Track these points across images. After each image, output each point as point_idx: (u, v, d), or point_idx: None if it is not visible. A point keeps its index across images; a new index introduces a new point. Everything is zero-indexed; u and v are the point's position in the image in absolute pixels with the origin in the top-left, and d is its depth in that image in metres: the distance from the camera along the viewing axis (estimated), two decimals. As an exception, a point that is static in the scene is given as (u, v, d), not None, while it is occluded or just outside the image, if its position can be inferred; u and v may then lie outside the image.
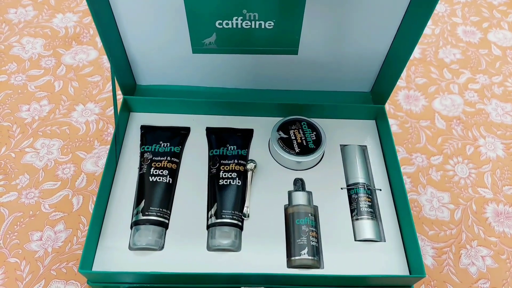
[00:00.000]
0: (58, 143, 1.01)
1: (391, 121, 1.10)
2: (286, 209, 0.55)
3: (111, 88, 1.13)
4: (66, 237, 0.86)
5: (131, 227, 0.51)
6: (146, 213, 0.51)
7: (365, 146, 0.62)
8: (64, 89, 1.12)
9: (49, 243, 0.85)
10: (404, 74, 1.24)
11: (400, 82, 1.22)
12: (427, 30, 1.35)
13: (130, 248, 0.50)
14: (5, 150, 0.99)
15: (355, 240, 0.53)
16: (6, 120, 1.05)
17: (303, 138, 0.59)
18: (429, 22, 1.34)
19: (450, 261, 0.87)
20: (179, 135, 0.60)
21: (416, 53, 1.30)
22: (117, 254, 0.50)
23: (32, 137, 1.02)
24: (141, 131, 0.60)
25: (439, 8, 1.44)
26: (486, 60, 1.29)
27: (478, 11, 1.44)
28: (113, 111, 1.09)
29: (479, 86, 1.22)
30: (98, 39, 1.25)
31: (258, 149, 0.60)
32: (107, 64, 1.19)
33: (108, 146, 1.02)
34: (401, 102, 1.17)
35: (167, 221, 0.52)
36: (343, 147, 0.61)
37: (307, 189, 0.57)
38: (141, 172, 0.55)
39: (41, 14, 1.32)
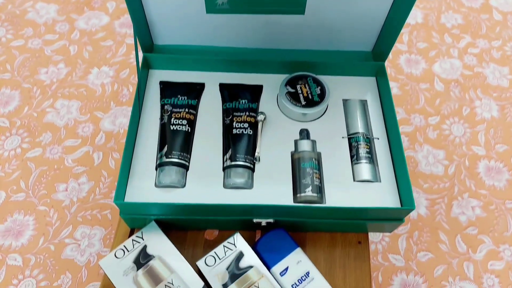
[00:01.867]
0: (77, 104, 1.07)
1: (392, 84, 1.16)
2: (292, 155, 0.61)
3: (123, 52, 1.18)
4: (89, 188, 0.94)
5: (156, 169, 0.58)
6: (169, 156, 0.57)
7: (365, 100, 0.67)
8: (79, 53, 1.17)
9: (74, 194, 0.93)
10: (406, 38, 1.29)
11: (402, 46, 1.26)
12: (430, -5, 1.38)
13: (156, 186, 0.57)
14: (28, 110, 1.06)
15: (354, 181, 0.60)
16: (26, 82, 1.11)
17: (309, 92, 0.65)
18: (432, -13, 1.36)
19: (442, 211, 0.94)
20: (195, 90, 0.66)
21: (419, 18, 1.33)
22: (145, 191, 0.57)
23: (52, 98, 1.08)
24: (160, 86, 0.66)
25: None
26: (487, 25, 1.32)
27: (481, -24, 1.46)
28: (127, 74, 1.15)
29: (479, 50, 1.26)
30: (109, 4, 1.29)
31: (267, 103, 0.66)
32: (119, 29, 1.23)
33: (124, 107, 1.08)
34: (402, 66, 1.21)
35: (187, 163, 0.58)
36: (345, 101, 0.67)
37: (311, 138, 0.63)
38: (163, 122, 0.61)
39: (52, -21, 1.36)
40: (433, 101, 1.14)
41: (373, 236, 0.91)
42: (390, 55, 1.24)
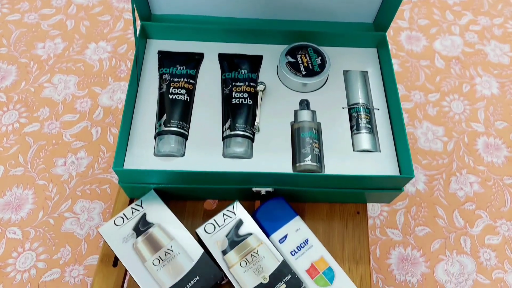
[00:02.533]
0: (74, 79, 1.06)
1: (392, 60, 1.14)
2: (292, 125, 0.61)
3: (121, 27, 1.16)
4: (88, 163, 0.93)
5: (155, 138, 0.58)
6: (168, 125, 0.57)
7: (366, 71, 0.67)
8: (76, 28, 1.16)
9: (73, 168, 0.93)
10: (407, 15, 1.27)
11: (403, 23, 1.25)
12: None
13: (155, 155, 0.57)
14: (25, 85, 1.05)
15: (354, 151, 0.60)
16: (23, 57, 1.09)
17: (309, 62, 0.64)
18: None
19: (440, 186, 0.95)
20: (194, 60, 0.65)
21: (420, -6, 1.31)
22: (144, 160, 0.56)
23: (49, 73, 1.07)
24: (158, 55, 0.65)
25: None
26: (489, 1, 1.31)
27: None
28: (125, 49, 1.14)
29: (480, 27, 1.25)
30: (105, -22, 1.26)
31: (267, 74, 0.65)
32: (116, 4, 1.21)
33: (122, 83, 1.07)
34: (403, 43, 1.20)
35: (186, 132, 0.58)
36: (345, 72, 0.66)
37: (311, 108, 0.63)
38: (161, 91, 0.60)
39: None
40: (434, 78, 1.13)
41: (371, 211, 0.91)
42: (391, 32, 1.23)
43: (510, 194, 0.95)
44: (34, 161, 0.93)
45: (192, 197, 0.60)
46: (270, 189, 0.57)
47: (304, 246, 0.54)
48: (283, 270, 0.50)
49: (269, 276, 0.50)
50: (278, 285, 0.50)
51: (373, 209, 0.92)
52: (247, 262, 0.51)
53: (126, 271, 0.56)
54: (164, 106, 0.59)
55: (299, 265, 0.52)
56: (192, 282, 0.50)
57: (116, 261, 0.56)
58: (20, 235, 0.85)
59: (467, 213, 0.92)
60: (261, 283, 0.50)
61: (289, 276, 0.50)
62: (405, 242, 0.89)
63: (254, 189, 0.56)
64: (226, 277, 0.51)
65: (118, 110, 1.01)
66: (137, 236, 0.52)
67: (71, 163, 0.93)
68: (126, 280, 0.55)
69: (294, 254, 0.53)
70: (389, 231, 0.90)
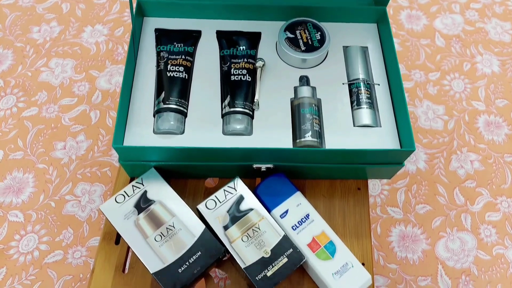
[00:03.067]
0: (71, 63, 1.05)
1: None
2: (292, 102, 0.60)
3: (117, 9, 1.15)
4: (88, 147, 0.93)
5: (154, 115, 0.57)
6: (167, 102, 0.56)
7: (366, 47, 0.66)
8: (72, 10, 1.14)
9: (73, 152, 0.92)
10: (407, -7, 1.25)
11: (403, 2, 1.23)
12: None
13: (154, 132, 0.57)
14: (22, 69, 1.04)
15: (354, 126, 0.59)
16: (19, 41, 1.08)
17: (308, 37, 0.63)
18: None
19: (441, 164, 0.95)
20: (192, 37, 0.64)
21: (420, -28, 1.29)
22: (144, 138, 0.56)
23: (45, 57, 1.06)
24: (155, 33, 0.64)
25: None
26: (490, -21, 1.29)
27: None
28: (121, 32, 1.12)
29: (481, 5, 1.23)
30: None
31: (265, 51, 0.64)
32: (112, -14, 1.19)
33: (120, 66, 1.06)
34: (403, 22, 1.19)
35: (185, 110, 0.57)
36: (345, 48, 0.66)
37: (311, 85, 0.62)
38: (159, 69, 0.60)
39: None
40: (434, 57, 1.12)
41: (372, 190, 0.91)
42: (391, 11, 1.21)
43: (510, 171, 0.95)
44: (33, 145, 0.93)
45: (192, 175, 0.60)
46: (270, 166, 0.56)
47: (305, 221, 0.54)
48: (285, 244, 0.51)
49: (271, 250, 0.50)
50: (279, 259, 0.50)
51: (374, 188, 0.92)
52: (249, 237, 0.51)
53: (128, 248, 0.56)
54: (162, 83, 0.59)
55: (300, 240, 0.52)
56: (194, 257, 0.50)
57: (118, 239, 0.56)
58: (22, 218, 0.86)
59: (467, 190, 0.92)
60: (262, 257, 0.50)
61: (291, 250, 0.50)
62: (405, 220, 0.89)
63: (255, 165, 0.56)
64: (228, 252, 0.51)
65: (116, 94, 1.01)
66: (139, 213, 0.52)
67: (70, 147, 0.93)
68: (128, 257, 0.56)
69: (295, 228, 0.53)
70: (389, 209, 0.90)
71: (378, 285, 0.82)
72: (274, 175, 0.57)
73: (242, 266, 0.49)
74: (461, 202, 0.91)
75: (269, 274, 0.49)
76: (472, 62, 1.11)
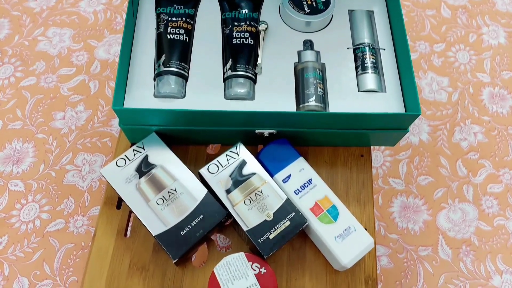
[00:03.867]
0: (69, 32, 1.03)
1: None
2: (295, 66, 0.59)
3: (115, -22, 1.12)
4: (87, 117, 0.92)
5: (154, 79, 0.56)
6: (167, 65, 0.55)
7: (372, 11, 0.64)
8: (69, -21, 1.11)
9: (72, 122, 0.91)
10: (412, -37, 1.22)
11: (408, -28, 1.20)
12: None
13: (155, 96, 0.56)
14: (18, 38, 1.02)
15: (359, 91, 0.58)
16: (15, 10, 1.06)
17: (313, 0, 0.62)
18: None
19: (444, 136, 0.94)
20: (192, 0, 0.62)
21: None
22: (144, 101, 0.55)
23: (43, 26, 1.04)
24: (155, -5, 0.62)
25: None
26: None
27: None
28: (119, 0, 1.10)
29: (488, -25, 1.20)
30: None
31: (268, 15, 0.63)
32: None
33: (118, 35, 1.04)
34: (408, -8, 1.16)
35: (186, 73, 0.56)
36: (350, 12, 0.64)
37: (315, 49, 0.61)
38: (159, 31, 0.58)
39: None
40: (439, 28, 1.10)
41: (374, 161, 0.91)
42: (396, -19, 1.18)
43: (514, 143, 0.94)
44: (32, 115, 0.92)
45: (194, 141, 0.60)
46: (273, 131, 0.55)
47: (307, 185, 0.53)
48: (287, 207, 0.50)
49: (273, 213, 0.50)
50: (282, 222, 0.49)
51: (376, 159, 0.91)
52: (251, 200, 0.50)
53: (130, 213, 0.56)
54: (163, 46, 0.57)
55: (303, 204, 0.52)
56: (196, 220, 0.50)
57: (119, 204, 0.56)
58: (23, 188, 0.85)
59: (470, 162, 0.92)
60: (265, 220, 0.49)
61: (293, 213, 0.50)
62: (407, 191, 0.89)
63: (257, 131, 0.55)
64: (230, 216, 0.51)
65: (115, 64, 0.99)
66: (140, 177, 0.52)
67: (70, 117, 0.92)
68: (130, 222, 0.55)
69: (298, 193, 0.53)
70: (391, 181, 0.90)
71: (379, 254, 0.83)
72: (277, 140, 0.57)
73: (245, 228, 0.49)
74: (464, 174, 0.91)
75: (271, 236, 0.49)
76: (478, 34, 1.09)
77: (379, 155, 0.92)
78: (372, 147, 0.63)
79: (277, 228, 0.49)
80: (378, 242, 0.84)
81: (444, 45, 1.07)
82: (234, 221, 0.51)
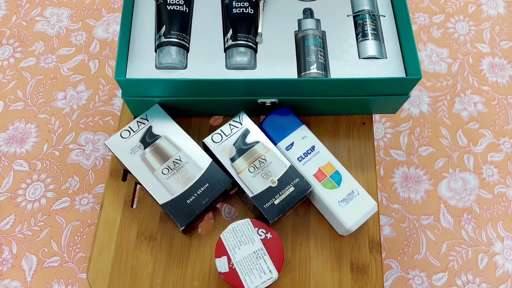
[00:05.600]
0: (67, 12, 1.02)
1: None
2: (296, 35, 0.59)
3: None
4: (89, 96, 0.92)
5: (155, 50, 0.56)
6: (168, 36, 0.55)
7: (371, -22, 0.64)
8: (63, -42, 1.10)
9: (74, 101, 0.92)
10: None
11: None
12: None
13: (156, 67, 0.56)
14: (16, 19, 1.01)
15: (360, 58, 0.58)
16: (10, -9, 1.05)
17: (312, -32, 0.61)
18: None
19: (444, 107, 0.94)
20: (191, -28, 0.62)
21: None
22: (146, 73, 0.55)
23: (39, 6, 1.03)
24: (153, -33, 0.62)
25: None
26: None
27: None
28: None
29: None
30: None
31: (267, -15, 0.62)
32: None
33: (116, 14, 1.03)
34: (407, -37, 1.15)
35: (187, 44, 0.56)
36: (349, -21, 0.64)
37: (315, 17, 0.61)
38: (158, 2, 0.58)
39: None
40: (439, -1, 1.09)
41: (375, 133, 0.91)
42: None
43: (514, 112, 0.94)
44: (33, 96, 0.92)
45: (196, 112, 0.60)
46: (275, 100, 0.56)
47: (310, 152, 0.54)
48: (291, 174, 0.51)
49: (278, 180, 0.50)
50: (286, 188, 0.50)
51: (377, 131, 0.92)
52: (256, 168, 0.51)
53: (135, 184, 0.56)
54: (163, 17, 0.57)
55: (306, 170, 0.53)
56: (202, 189, 0.50)
57: (125, 176, 0.57)
58: (27, 167, 0.86)
59: (470, 132, 0.92)
60: (270, 186, 0.50)
61: (297, 179, 0.51)
62: (408, 162, 0.89)
63: (259, 100, 0.56)
64: (235, 185, 0.51)
65: (115, 43, 0.98)
66: (145, 148, 0.52)
67: (71, 97, 0.92)
68: (136, 193, 0.56)
69: (301, 160, 0.53)
70: (392, 152, 0.90)
71: (382, 224, 0.84)
72: (279, 109, 0.57)
73: (250, 195, 0.50)
74: (464, 144, 0.91)
75: (276, 202, 0.50)
76: (477, 4, 1.08)
77: (380, 127, 0.92)
78: (373, 118, 0.64)
79: (282, 194, 0.50)
80: (380, 212, 0.85)
81: (443, 17, 1.06)
82: (239, 190, 0.52)
